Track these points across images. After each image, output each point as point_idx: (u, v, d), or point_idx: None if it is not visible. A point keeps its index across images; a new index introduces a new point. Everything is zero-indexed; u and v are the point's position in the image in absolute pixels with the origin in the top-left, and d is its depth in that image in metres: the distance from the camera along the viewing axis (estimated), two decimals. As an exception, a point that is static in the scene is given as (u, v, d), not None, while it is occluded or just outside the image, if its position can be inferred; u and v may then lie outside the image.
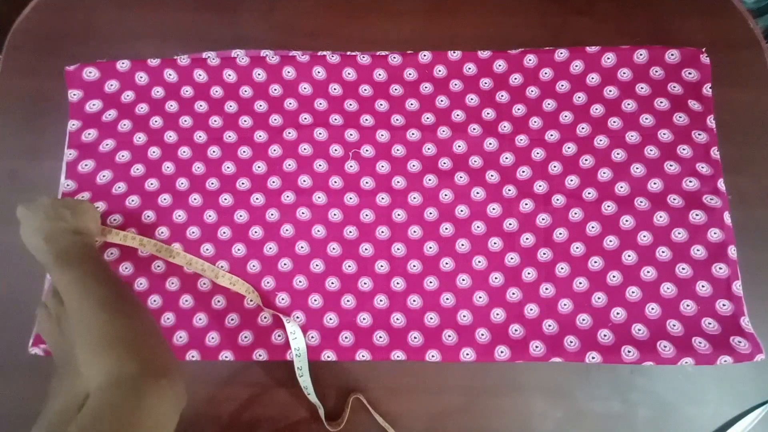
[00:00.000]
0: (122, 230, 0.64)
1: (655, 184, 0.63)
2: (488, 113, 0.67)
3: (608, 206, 0.63)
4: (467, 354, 0.60)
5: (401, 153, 0.67)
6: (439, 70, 0.69)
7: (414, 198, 0.65)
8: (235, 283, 0.63)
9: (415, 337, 0.62)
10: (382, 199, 0.65)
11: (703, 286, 0.60)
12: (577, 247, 0.63)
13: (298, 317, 0.63)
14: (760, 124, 0.66)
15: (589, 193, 0.64)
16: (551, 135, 0.66)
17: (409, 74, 0.69)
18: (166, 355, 0.45)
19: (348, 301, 0.63)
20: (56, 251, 0.51)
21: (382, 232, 0.65)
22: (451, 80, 0.68)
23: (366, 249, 0.64)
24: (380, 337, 0.62)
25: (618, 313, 0.60)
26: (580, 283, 0.62)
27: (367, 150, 0.67)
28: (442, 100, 0.68)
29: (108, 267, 0.54)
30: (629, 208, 0.63)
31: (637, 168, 0.64)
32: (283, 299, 0.63)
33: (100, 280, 0.49)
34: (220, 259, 0.65)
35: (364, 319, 0.63)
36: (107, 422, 0.38)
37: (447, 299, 0.62)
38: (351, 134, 0.67)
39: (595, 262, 0.62)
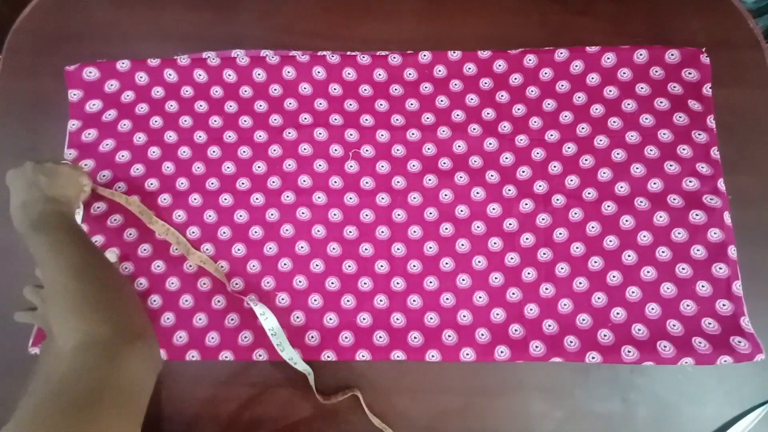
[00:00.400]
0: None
1: (655, 184, 0.63)
2: (488, 113, 0.67)
3: (608, 206, 0.63)
4: (467, 354, 0.60)
5: (401, 153, 0.67)
6: (439, 70, 0.69)
7: (414, 198, 0.65)
8: (205, 262, 0.64)
9: (415, 337, 0.62)
10: (382, 199, 0.65)
11: (703, 286, 0.60)
12: (577, 247, 0.63)
13: (298, 317, 0.63)
14: (760, 124, 0.66)
15: (589, 193, 0.64)
16: (551, 135, 0.66)
17: (409, 74, 0.69)
18: (140, 318, 0.46)
19: (348, 301, 0.63)
20: (31, 219, 0.52)
21: (382, 232, 0.65)
22: (451, 80, 0.68)
23: (366, 249, 0.64)
24: (380, 337, 0.62)
25: (618, 313, 0.60)
26: (580, 283, 0.62)
27: (367, 150, 0.67)
28: (442, 100, 0.68)
29: (83, 234, 0.53)
30: (629, 208, 0.63)
31: (637, 168, 0.64)
32: (283, 299, 0.63)
33: (73, 247, 0.49)
34: (220, 259, 0.65)
35: (364, 319, 0.63)
36: (81, 383, 0.37)
37: (447, 299, 0.62)
38: (351, 134, 0.67)
39: (595, 262, 0.62)
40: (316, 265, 0.64)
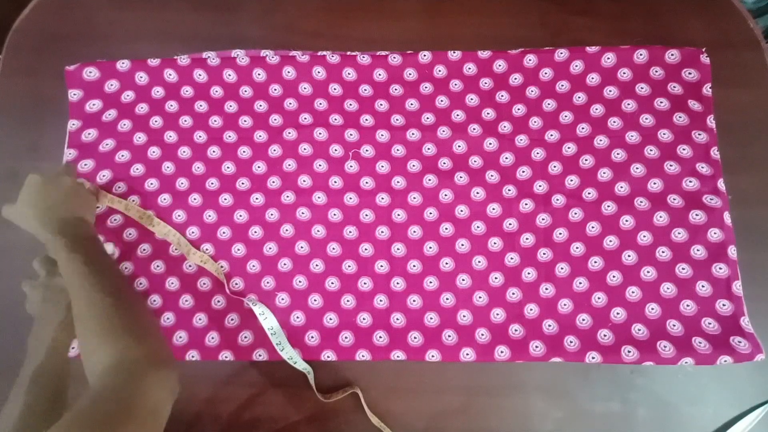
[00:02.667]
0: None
1: (655, 184, 0.63)
2: (488, 113, 0.67)
3: (608, 206, 0.63)
4: (467, 354, 0.60)
5: (401, 153, 0.67)
6: (439, 70, 0.69)
7: (414, 198, 0.65)
8: (206, 262, 0.64)
9: (415, 337, 0.62)
10: (382, 199, 0.65)
11: (703, 286, 0.60)
12: (577, 247, 0.63)
13: (298, 317, 0.63)
14: (760, 124, 0.66)
15: (589, 193, 0.64)
16: (551, 135, 0.66)
17: (409, 74, 0.69)
18: (165, 346, 0.48)
19: (348, 301, 0.63)
20: (64, 233, 0.53)
21: (382, 232, 0.65)
22: (451, 80, 0.68)
23: (366, 249, 0.64)
24: (380, 337, 0.62)
25: (618, 313, 0.60)
26: (580, 283, 0.62)
27: (367, 150, 0.67)
28: (442, 100, 0.68)
29: (112, 259, 0.56)
30: (629, 208, 0.63)
31: (637, 168, 0.64)
32: (283, 299, 0.63)
33: (108, 271, 0.51)
34: (220, 259, 0.65)
35: (364, 319, 0.62)
36: (109, 403, 0.40)
37: (447, 299, 0.62)
38: (351, 134, 0.67)
39: (595, 262, 0.62)
40: (316, 265, 0.64)
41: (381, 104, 0.68)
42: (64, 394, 0.53)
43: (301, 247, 0.64)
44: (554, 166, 0.65)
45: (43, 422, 0.49)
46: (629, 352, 0.59)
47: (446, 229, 0.64)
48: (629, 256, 0.62)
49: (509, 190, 0.65)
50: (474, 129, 0.67)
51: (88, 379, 0.43)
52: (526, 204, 0.64)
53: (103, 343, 0.44)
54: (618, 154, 0.65)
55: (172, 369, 0.45)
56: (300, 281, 0.64)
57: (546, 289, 0.62)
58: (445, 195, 0.65)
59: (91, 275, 0.49)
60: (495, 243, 0.64)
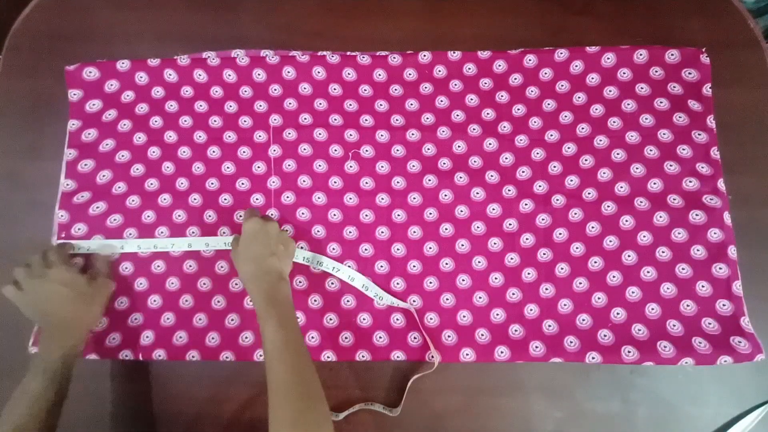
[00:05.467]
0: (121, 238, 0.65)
1: (655, 184, 0.63)
2: (488, 113, 0.67)
3: (608, 206, 0.63)
4: (467, 354, 0.60)
5: (401, 153, 0.67)
6: (439, 71, 0.69)
7: (414, 198, 0.65)
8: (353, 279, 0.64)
9: (414, 338, 0.62)
10: (382, 199, 0.65)
11: (703, 286, 0.60)
12: (577, 248, 0.63)
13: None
14: (760, 124, 0.66)
15: (589, 193, 0.64)
16: (551, 135, 0.66)
17: (409, 74, 0.69)
18: (328, 417, 0.50)
19: (348, 301, 0.63)
20: (267, 294, 0.54)
21: (382, 232, 0.65)
22: (451, 80, 0.68)
23: (366, 249, 0.64)
24: (380, 337, 0.62)
25: (618, 314, 0.60)
26: (580, 283, 0.62)
27: (366, 150, 0.67)
28: (441, 101, 0.68)
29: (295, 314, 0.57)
30: (629, 208, 0.63)
31: (637, 168, 0.64)
32: (283, 299, 0.63)
33: (297, 329, 0.53)
34: (220, 259, 0.65)
35: (364, 319, 0.63)
36: None
37: (447, 299, 0.62)
38: (351, 134, 0.67)
39: (595, 262, 0.62)
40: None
41: (381, 104, 0.68)
42: (67, 390, 0.54)
43: (301, 248, 0.64)
44: (554, 167, 0.65)
45: (51, 418, 0.51)
46: (629, 352, 0.59)
47: (446, 229, 0.64)
48: (629, 256, 0.62)
49: (509, 190, 0.65)
50: (474, 129, 0.67)
51: None
52: (526, 204, 0.64)
53: (312, 407, 0.48)
54: (618, 154, 0.65)
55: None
56: (300, 281, 0.64)
57: (546, 289, 0.62)
58: (445, 195, 0.65)
59: (284, 336, 0.51)
60: (495, 243, 0.64)
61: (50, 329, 0.56)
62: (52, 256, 0.59)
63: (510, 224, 0.64)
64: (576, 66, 0.67)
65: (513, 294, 0.62)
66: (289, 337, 0.51)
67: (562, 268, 0.62)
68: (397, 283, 0.63)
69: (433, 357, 0.60)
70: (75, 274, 0.58)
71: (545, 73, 0.68)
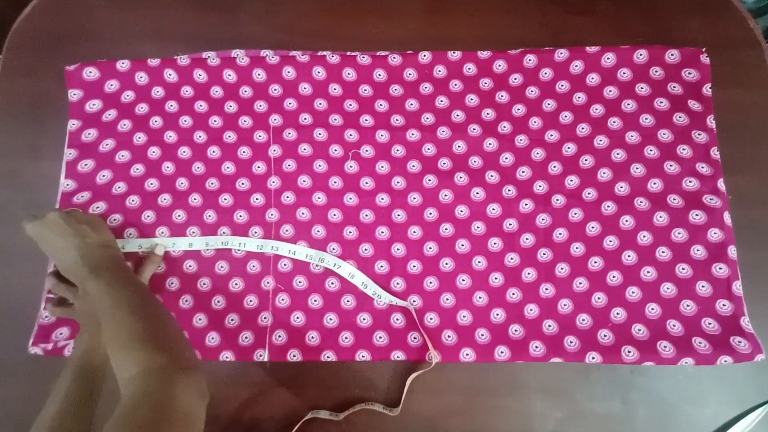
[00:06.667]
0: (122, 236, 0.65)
1: (655, 184, 0.63)
2: (488, 113, 0.67)
3: (608, 206, 0.63)
4: (467, 354, 0.60)
5: (401, 153, 0.67)
6: (439, 71, 0.69)
7: (414, 198, 0.65)
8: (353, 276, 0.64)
9: (414, 338, 0.62)
10: (382, 199, 0.65)
11: (703, 286, 0.60)
12: (577, 248, 0.63)
13: (298, 317, 0.63)
14: (760, 124, 0.66)
15: (589, 193, 0.64)
16: (551, 135, 0.66)
17: (409, 74, 0.69)
18: (191, 351, 0.50)
19: (348, 301, 0.63)
20: (90, 265, 0.54)
21: (382, 232, 0.65)
22: (451, 80, 0.68)
23: (366, 249, 0.64)
24: (380, 337, 0.62)
25: (618, 314, 0.60)
26: (580, 283, 0.62)
27: (366, 150, 0.67)
28: (441, 101, 0.68)
29: (133, 274, 0.58)
30: (629, 208, 0.63)
31: (637, 168, 0.64)
32: (283, 299, 0.63)
33: (128, 287, 0.53)
34: (220, 259, 0.65)
35: (364, 319, 0.63)
36: (143, 408, 0.40)
37: (447, 299, 0.62)
38: (351, 134, 0.67)
39: (595, 262, 0.62)
40: (316, 266, 0.64)
41: (381, 104, 0.68)
42: (100, 387, 0.55)
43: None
44: (554, 166, 0.65)
45: (83, 411, 0.52)
46: (629, 352, 0.59)
47: (446, 229, 0.64)
48: (629, 256, 0.62)
49: (509, 190, 0.65)
50: (474, 129, 0.67)
51: (121, 392, 0.44)
52: (526, 204, 0.64)
53: (130, 352, 0.45)
54: (618, 154, 0.65)
55: (199, 374, 0.46)
56: (300, 281, 0.64)
57: (546, 289, 0.62)
58: (445, 195, 0.65)
59: (115, 292, 0.51)
60: (495, 243, 0.64)
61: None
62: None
63: (510, 224, 0.64)
64: (576, 66, 0.67)
65: (513, 294, 0.62)
66: (128, 294, 0.51)
67: (562, 268, 0.62)
68: (397, 283, 0.63)
69: (432, 357, 0.60)
70: (66, 217, 0.58)
71: (545, 73, 0.68)
